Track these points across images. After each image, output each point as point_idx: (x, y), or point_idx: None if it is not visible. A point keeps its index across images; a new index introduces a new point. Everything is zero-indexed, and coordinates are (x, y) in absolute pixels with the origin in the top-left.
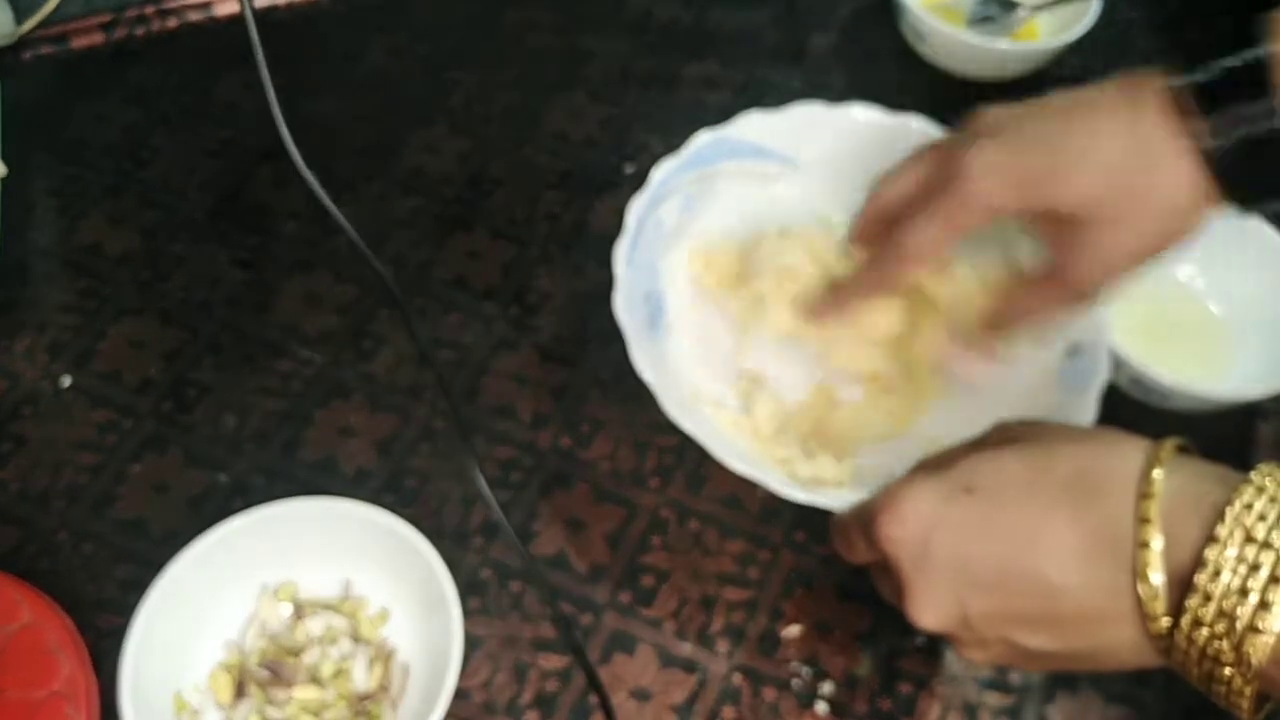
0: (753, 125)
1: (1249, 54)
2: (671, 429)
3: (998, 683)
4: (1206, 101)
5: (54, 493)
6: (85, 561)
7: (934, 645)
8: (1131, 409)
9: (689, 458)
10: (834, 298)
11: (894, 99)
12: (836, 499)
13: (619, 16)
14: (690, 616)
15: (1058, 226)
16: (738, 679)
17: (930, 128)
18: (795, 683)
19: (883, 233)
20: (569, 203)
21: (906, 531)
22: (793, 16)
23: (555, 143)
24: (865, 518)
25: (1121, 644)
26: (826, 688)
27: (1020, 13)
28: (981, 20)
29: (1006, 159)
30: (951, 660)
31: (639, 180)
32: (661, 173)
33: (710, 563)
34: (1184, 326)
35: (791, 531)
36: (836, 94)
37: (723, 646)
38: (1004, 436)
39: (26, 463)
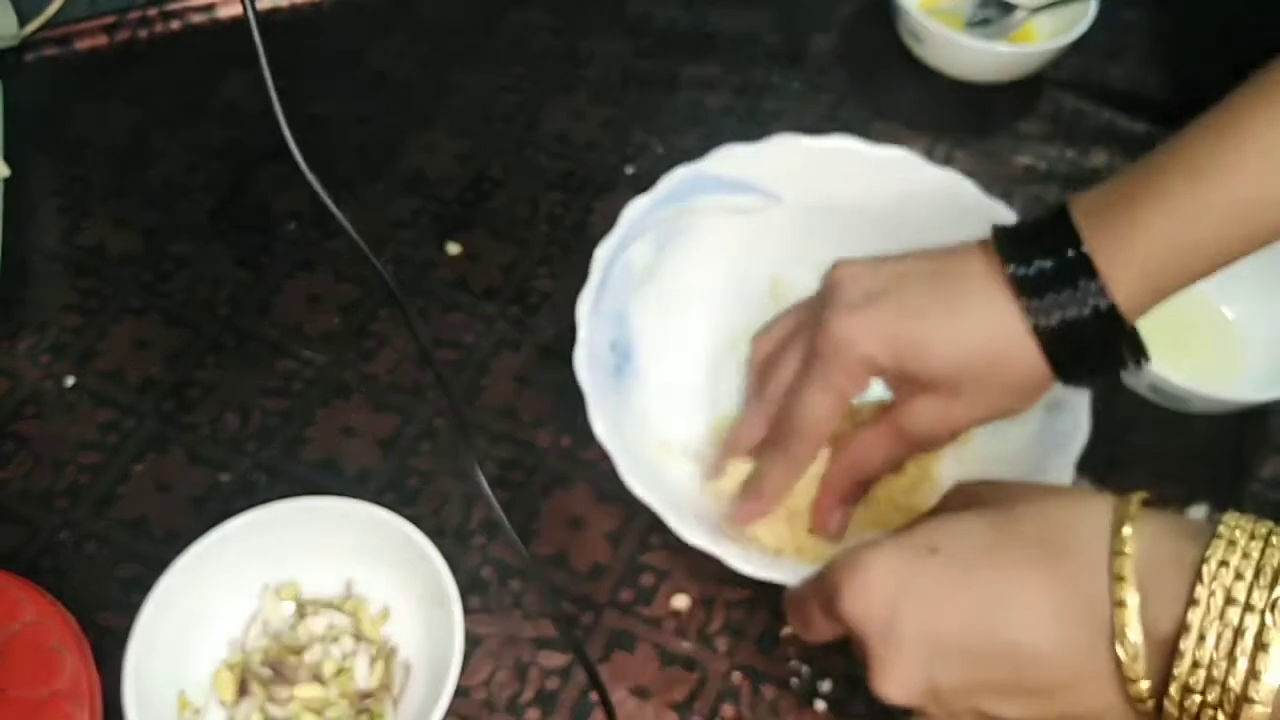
0: (730, 158)
1: (1067, 252)
2: None
3: None
4: (1031, 288)
5: (56, 492)
6: (88, 561)
7: None
8: (1150, 413)
9: None
10: (753, 497)
11: (892, 101)
12: (795, 573)
13: (619, 18)
14: (690, 615)
15: (908, 384)
16: (737, 677)
17: (913, 158)
18: (794, 681)
19: (766, 385)
20: (569, 203)
21: (872, 604)
22: (792, 19)
23: (556, 144)
24: (825, 591)
25: (1098, 710)
26: (825, 686)
27: (1018, 15)
28: (979, 23)
29: (879, 325)
30: None
31: (639, 181)
32: (632, 212)
33: (711, 562)
34: (1197, 330)
35: None
36: (835, 96)
37: (722, 645)
38: (963, 499)
39: (29, 462)
